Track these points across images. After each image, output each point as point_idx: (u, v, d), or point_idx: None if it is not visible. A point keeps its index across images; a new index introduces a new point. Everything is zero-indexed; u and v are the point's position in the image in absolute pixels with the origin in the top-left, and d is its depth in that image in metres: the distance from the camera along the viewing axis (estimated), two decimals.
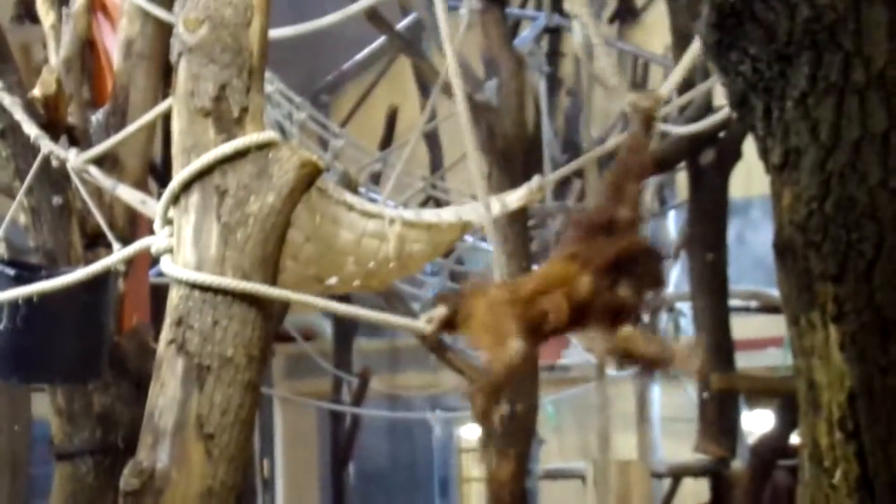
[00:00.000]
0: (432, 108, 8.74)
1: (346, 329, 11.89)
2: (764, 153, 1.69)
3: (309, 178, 3.18)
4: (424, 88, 10.28)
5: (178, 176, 3.06)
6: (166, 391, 2.95)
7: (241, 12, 3.09)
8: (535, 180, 4.66)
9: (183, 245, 3.03)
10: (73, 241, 5.15)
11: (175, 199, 3.08)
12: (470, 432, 13.25)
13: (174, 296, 3.02)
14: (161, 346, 2.97)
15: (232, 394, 2.95)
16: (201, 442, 2.91)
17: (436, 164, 11.13)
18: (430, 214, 4.28)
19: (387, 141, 11.17)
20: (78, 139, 4.97)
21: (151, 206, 4.15)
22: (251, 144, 3.04)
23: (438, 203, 9.94)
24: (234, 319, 2.98)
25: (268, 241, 3.08)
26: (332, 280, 4.17)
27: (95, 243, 5.16)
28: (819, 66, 1.58)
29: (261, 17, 3.13)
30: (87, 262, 4.89)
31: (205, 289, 2.95)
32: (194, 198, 3.04)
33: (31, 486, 9.14)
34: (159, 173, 7.75)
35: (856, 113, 1.56)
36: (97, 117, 5.35)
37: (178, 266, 3.01)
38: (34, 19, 6.22)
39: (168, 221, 3.17)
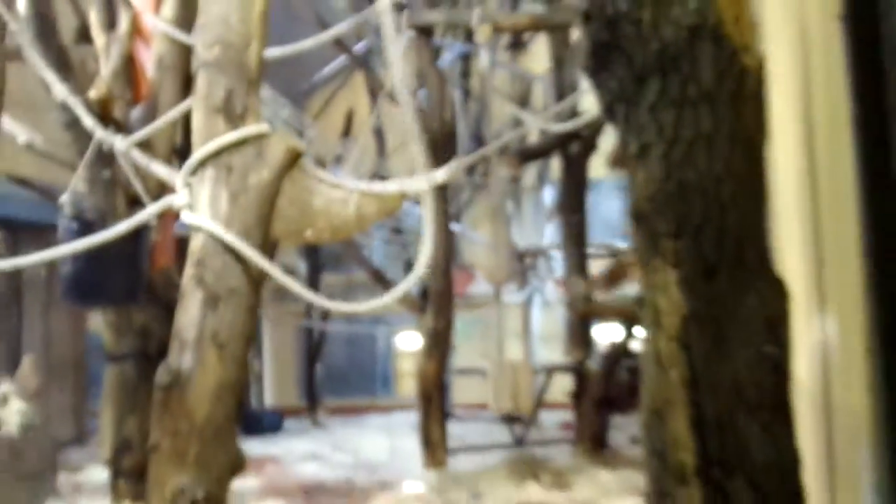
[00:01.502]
0: (378, 111, 8.68)
1: (315, 267, 11.85)
2: (624, 146, 1.67)
3: (293, 159, 3.12)
4: (373, 95, 10.19)
5: (197, 154, 2.98)
6: (189, 313, 2.89)
7: (243, 38, 3.00)
8: (455, 162, 4.64)
9: (201, 206, 2.96)
10: (117, 203, 5.02)
11: (194, 172, 3.01)
12: (403, 342, 13.30)
13: (195, 243, 2.95)
14: (185, 280, 2.90)
15: (237, 314, 2.90)
16: (215, 349, 2.86)
17: (381, 150, 11.05)
18: (380, 186, 4.22)
19: (346, 133, 11.07)
20: (122, 128, 4.83)
21: (176, 178, 4.03)
22: (251, 134, 2.97)
23: (383, 179, 9.88)
24: (240, 260, 2.92)
25: (263, 204, 3.03)
26: (308, 233, 4.10)
27: (134, 205, 5.03)
28: (665, 85, 1.58)
29: (258, 42, 3.04)
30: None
31: (218, 238, 2.89)
32: (209, 171, 2.97)
33: (88, 380, 9.01)
34: (180, 154, 7.57)
35: (690, 119, 1.55)
36: (135, 113, 5.21)
37: (198, 218, 2.94)
38: (89, 41, 6.05)
39: (187, 185, 3.08)
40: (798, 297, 1.64)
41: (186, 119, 4.49)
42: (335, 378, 12.53)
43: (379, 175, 10.29)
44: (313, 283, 11.74)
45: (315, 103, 11.87)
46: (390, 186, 4.42)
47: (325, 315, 11.45)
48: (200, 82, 2.99)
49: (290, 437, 9.83)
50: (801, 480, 1.49)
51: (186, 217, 3.00)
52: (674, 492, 1.53)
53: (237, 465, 2.95)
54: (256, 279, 2.96)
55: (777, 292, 1.54)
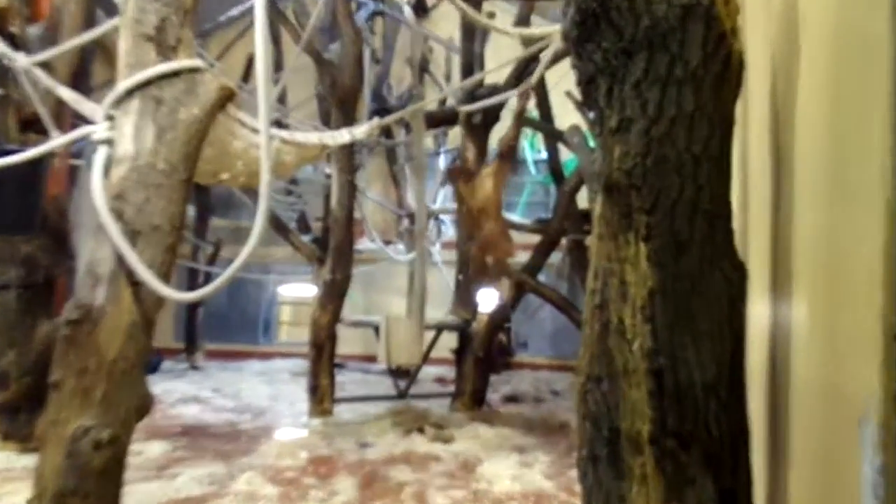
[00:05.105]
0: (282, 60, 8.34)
1: (203, 211, 11.35)
2: (600, 120, 1.62)
3: (225, 98, 2.93)
4: (276, 41, 9.76)
5: (123, 84, 2.74)
6: (105, 248, 2.67)
7: None
8: (375, 121, 4.50)
9: (124, 138, 2.73)
10: (9, 124, 4.60)
11: (118, 103, 2.77)
12: (287, 291, 13.01)
13: (114, 176, 2.72)
14: (102, 214, 2.68)
15: (157, 252, 2.71)
16: (131, 287, 2.66)
17: (281, 99, 10.65)
18: (301, 136, 4.04)
19: (245, 79, 10.56)
20: (19, 45, 4.40)
21: (84, 104, 3.70)
22: (184, 67, 2.76)
23: (283, 127, 9.53)
24: (163, 197, 2.72)
25: (191, 141, 2.83)
26: (225, 175, 3.88)
27: (27, 128, 4.63)
28: (651, 62, 1.53)
29: None
30: (21, 142, 4.38)
31: (141, 171, 2.67)
32: (135, 103, 2.74)
33: None
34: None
35: (674, 98, 1.51)
36: (33, 30, 4.76)
37: (120, 152, 2.71)
38: None
39: (109, 118, 2.83)
40: (756, 279, 1.64)
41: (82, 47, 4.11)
42: (216, 322, 12.12)
43: (279, 123, 9.96)
44: (201, 226, 11.28)
45: (214, 45, 11.28)
46: (313, 137, 4.25)
47: (213, 258, 11.03)
48: (131, 5, 2.75)
49: (166, 378, 9.47)
50: (749, 456, 1.50)
51: (105, 148, 2.76)
52: (629, 460, 1.51)
53: (145, 406, 2.78)
54: (180, 218, 2.77)
55: (739, 273, 1.53)
